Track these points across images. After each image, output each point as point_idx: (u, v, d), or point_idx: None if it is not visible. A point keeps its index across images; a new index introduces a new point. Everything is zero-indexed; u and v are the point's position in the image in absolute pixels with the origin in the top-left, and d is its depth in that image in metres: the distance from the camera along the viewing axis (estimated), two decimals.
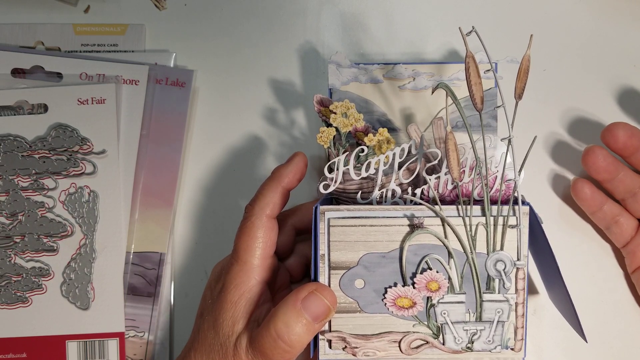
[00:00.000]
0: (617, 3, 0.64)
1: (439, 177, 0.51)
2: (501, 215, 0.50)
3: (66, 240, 0.61)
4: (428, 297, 0.51)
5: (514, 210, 0.50)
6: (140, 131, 0.62)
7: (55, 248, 0.61)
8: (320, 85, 0.64)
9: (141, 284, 0.61)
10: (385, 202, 0.52)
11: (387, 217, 0.50)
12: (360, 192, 0.52)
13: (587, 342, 0.52)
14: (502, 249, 0.50)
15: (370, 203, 0.52)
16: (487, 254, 0.50)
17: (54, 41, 0.63)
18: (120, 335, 0.61)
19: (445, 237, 0.50)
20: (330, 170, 0.51)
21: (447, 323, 0.51)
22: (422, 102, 0.60)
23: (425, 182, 0.51)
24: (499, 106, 0.49)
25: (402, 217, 0.50)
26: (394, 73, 0.60)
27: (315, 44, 0.64)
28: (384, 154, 0.51)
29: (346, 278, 0.51)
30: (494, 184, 0.51)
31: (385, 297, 0.51)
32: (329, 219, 0.50)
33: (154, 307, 0.61)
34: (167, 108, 0.62)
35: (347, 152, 0.52)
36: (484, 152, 0.49)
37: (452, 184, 0.51)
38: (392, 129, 0.60)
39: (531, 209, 0.50)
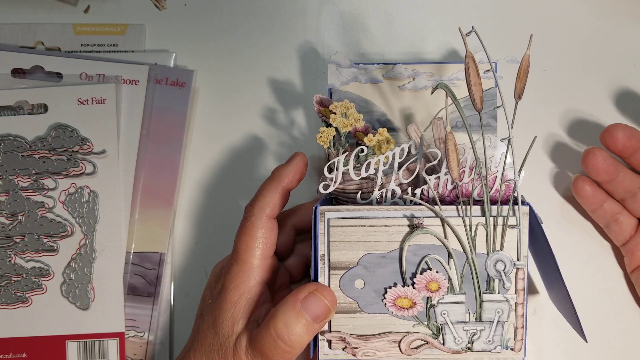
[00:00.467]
0: (617, 3, 0.64)
1: (438, 177, 0.51)
2: (501, 216, 0.50)
3: (66, 240, 0.61)
4: (428, 298, 0.51)
5: (513, 210, 0.50)
6: (140, 131, 0.62)
7: (55, 248, 0.61)
8: (320, 85, 0.64)
9: (141, 284, 0.61)
10: (385, 202, 0.52)
11: (387, 218, 0.50)
12: (360, 192, 0.52)
13: (587, 342, 0.52)
14: (502, 249, 0.50)
15: (370, 203, 0.52)
16: (487, 254, 0.50)
17: (54, 41, 0.63)
18: (120, 335, 0.61)
19: (445, 237, 0.50)
20: (330, 170, 0.51)
21: (447, 323, 0.51)
22: (421, 102, 0.60)
23: (425, 182, 0.51)
24: (498, 106, 0.49)
25: (401, 218, 0.50)
26: (393, 73, 0.60)
27: (315, 44, 0.64)
28: (383, 154, 0.51)
29: (346, 278, 0.51)
30: (493, 184, 0.51)
31: (385, 298, 0.50)
32: (328, 219, 0.50)
33: (154, 307, 0.61)
34: (167, 108, 0.62)
35: (347, 152, 0.52)
36: (484, 152, 0.49)
37: (451, 184, 0.51)
38: (391, 129, 0.60)
39: (531, 209, 0.50)
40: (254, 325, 0.50)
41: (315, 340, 0.52)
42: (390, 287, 0.50)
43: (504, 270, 0.50)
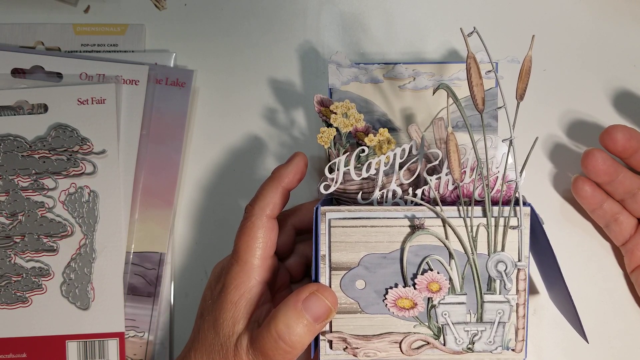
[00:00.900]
0: (617, 3, 0.64)
1: (439, 178, 0.51)
2: (502, 216, 0.50)
3: (66, 240, 0.61)
4: (429, 298, 0.51)
5: (515, 211, 0.50)
6: (140, 131, 0.62)
7: (55, 248, 0.61)
8: (320, 85, 0.64)
9: (141, 284, 0.61)
10: (386, 202, 0.52)
11: (388, 218, 0.50)
12: (360, 192, 0.52)
13: (588, 342, 0.52)
14: (503, 249, 0.50)
15: (371, 204, 0.52)
16: (488, 254, 0.50)
17: (54, 41, 0.63)
18: (120, 335, 0.61)
19: (446, 238, 0.50)
20: (331, 170, 0.51)
21: (448, 324, 0.51)
22: (422, 102, 0.60)
23: (426, 183, 0.51)
24: (500, 107, 0.48)
25: (402, 218, 0.50)
26: (394, 73, 0.60)
27: (315, 44, 0.64)
28: (384, 154, 0.51)
29: (347, 279, 0.51)
30: (495, 184, 0.51)
31: (386, 298, 0.51)
32: (329, 220, 0.50)
33: (154, 307, 0.61)
34: (167, 108, 0.62)
35: (348, 153, 0.52)
36: (485, 153, 0.49)
37: (453, 184, 0.51)
38: (392, 129, 0.59)
39: (532, 210, 0.50)
40: (254, 326, 0.50)
41: (316, 340, 0.52)
42: (391, 288, 0.50)
43: (505, 271, 0.50)
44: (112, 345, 0.61)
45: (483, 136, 0.49)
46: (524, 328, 0.51)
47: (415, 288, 0.50)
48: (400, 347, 0.51)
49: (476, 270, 0.50)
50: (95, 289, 0.61)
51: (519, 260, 0.50)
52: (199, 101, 0.64)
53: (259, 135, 0.64)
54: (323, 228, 0.50)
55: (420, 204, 0.50)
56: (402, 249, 0.50)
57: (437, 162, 0.52)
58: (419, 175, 0.52)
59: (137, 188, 0.62)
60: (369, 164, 0.51)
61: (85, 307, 0.60)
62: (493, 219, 0.50)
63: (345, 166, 0.51)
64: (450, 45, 0.64)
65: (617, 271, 0.62)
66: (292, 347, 0.47)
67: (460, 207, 0.50)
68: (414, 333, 0.51)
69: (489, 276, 0.50)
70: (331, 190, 0.51)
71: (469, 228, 0.50)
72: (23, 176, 0.61)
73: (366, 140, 0.52)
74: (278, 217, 0.53)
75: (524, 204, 0.50)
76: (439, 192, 0.51)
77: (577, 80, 0.63)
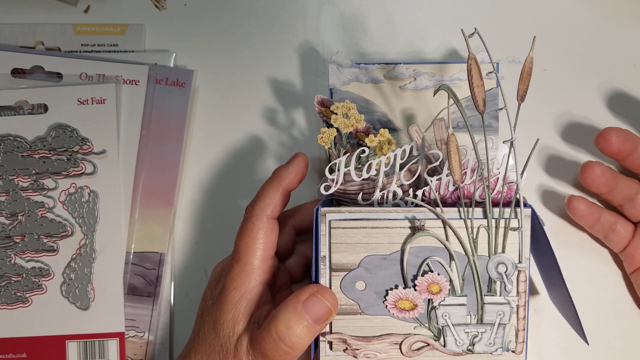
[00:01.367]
0: (617, 3, 0.64)
1: (440, 179, 0.51)
2: (503, 218, 0.50)
3: (66, 240, 0.61)
4: (429, 300, 0.51)
5: (515, 212, 0.50)
6: (140, 131, 0.62)
7: (55, 248, 0.61)
8: (321, 85, 0.64)
9: (141, 284, 0.61)
10: (387, 203, 0.52)
11: (388, 219, 0.50)
12: (361, 193, 0.52)
13: (588, 344, 0.52)
14: (503, 251, 0.50)
15: (372, 205, 0.52)
16: (489, 256, 0.50)
17: (54, 41, 0.63)
18: (120, 335, 0.61)
19: (447, 239, 0.50)
20: (331, 171, 0.51)
21: (448, 325, 0.51)
22: (423, 103, 0.60)
23: (427, 184, 0.51)
24: (501, 108, 0.48)
25: (403, 219, 0.50)
26: (394, 73, 0.60)
27: (315, 44, 0.64)
28: (385, 155, 0.51)
29: (347, 280, 0.51)
30: (495, 185, 0.51)
31: (386, 299, 0.51)
32: (330, 221, 0.50)
33: (154, 307, 0.61)
34: (167, 108, 0.62)
35: (348, 153, 0.52)
36: (486, 154, 0.49)
37: (453, 185, 0.51)
38: (393, 130, 0.59)
39: (533, 212, 0.50)
40: (254, 326, 0.50)
41: (317, 341, 0.52)
42: (391, 289, 0.50)
43: (505, 272, 0.50)
44: (112, 345, 0.61)
45: (484, 137, 0.49)
46: (524, 329, 0.51)
47: (415, 289, 0.50)
48: (400, 348, 0.51)
49: (476, 272, 0.50)
50: (95, 289, 0.61)
51: (520, 262, 0.50)
52: (199, 101, 0.64)
53: (259, 135, 0.64)
54: (323, 229, 0.50)
55: (421, 205, 0.50)
56: (403, 250, 0.50)
57: (437, 163, 0.52)
58: (419, 176, 0.52)
59: (137, 188, 0.62)
60: (370, 165, 0.51)
61: (86, 307, 0.60)
62: (494, 221, 0.50)
63: (345, 167, 0.51)
64: (451, 46, 0.64)
65: (617, 272, 0.62)
66: (292, 348, 0.47)
67: (461, 209, 0.50)
68: (414, 334, 0.51)
69: (490, 278, 0.50)
70: (331, 191, 0.51)
71: (470, 229, 0.50)
72: (23, 176, 0.61)
73: (367, 140, 0.52)
74: (278, 217, 0.53)
75: (525, 205, 0.50)
76: (439, 193, 0.51)
77: (577, 80, 0.63)
